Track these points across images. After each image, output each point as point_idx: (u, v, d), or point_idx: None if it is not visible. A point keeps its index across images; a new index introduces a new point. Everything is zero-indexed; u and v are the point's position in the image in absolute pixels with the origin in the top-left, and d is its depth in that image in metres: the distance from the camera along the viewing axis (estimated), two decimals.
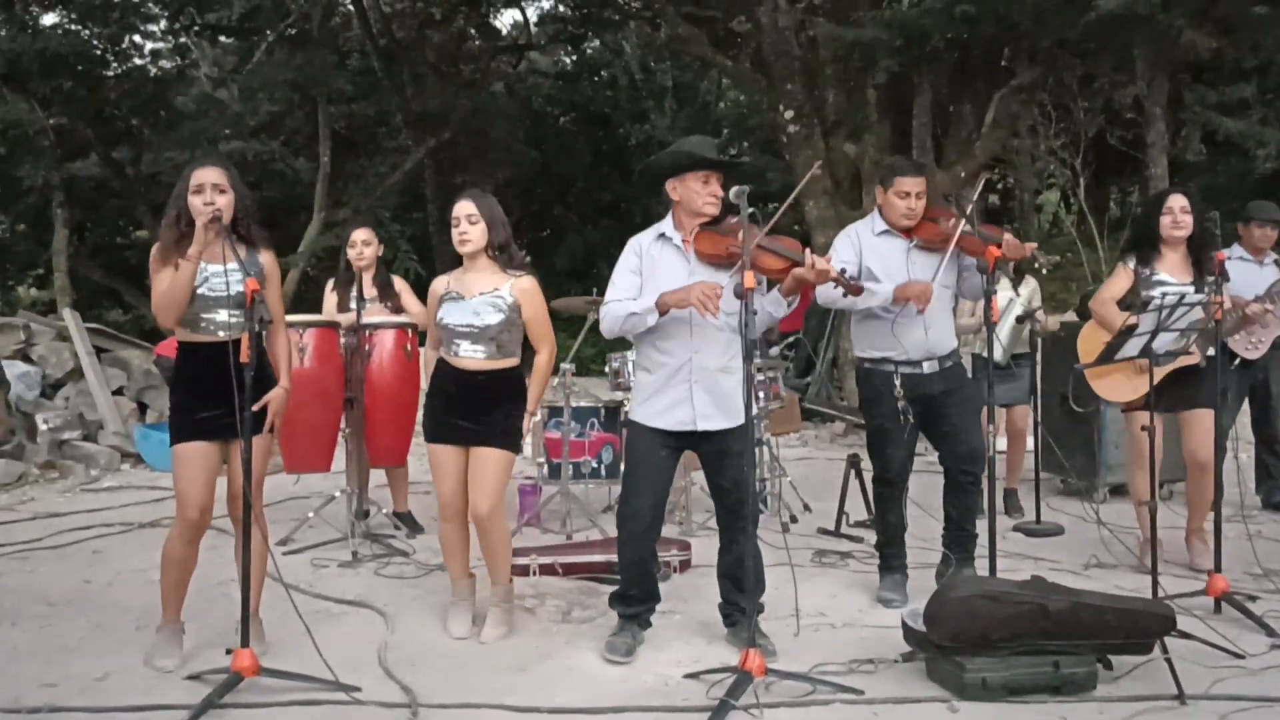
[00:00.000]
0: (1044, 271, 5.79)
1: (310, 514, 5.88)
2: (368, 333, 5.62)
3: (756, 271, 3.69)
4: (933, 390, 4.50)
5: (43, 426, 7.95)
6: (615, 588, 4.16)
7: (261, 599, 4.02)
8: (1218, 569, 4.33)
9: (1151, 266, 4.87)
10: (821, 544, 5.61)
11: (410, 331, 5.68)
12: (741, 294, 3.54)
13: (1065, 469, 6.56)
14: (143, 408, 8.58)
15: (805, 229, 11.33)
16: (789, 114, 10.86)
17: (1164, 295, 4.58)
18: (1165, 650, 3.58)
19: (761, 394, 6.05)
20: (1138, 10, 8.48)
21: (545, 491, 6.24)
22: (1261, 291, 5.48)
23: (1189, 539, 5.09)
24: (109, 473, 7.78)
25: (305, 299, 13.40)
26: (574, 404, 6.10)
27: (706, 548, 4.66)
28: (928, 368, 4.50)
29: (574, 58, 22.17)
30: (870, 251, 4.54)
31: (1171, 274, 4.84)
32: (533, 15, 19.79)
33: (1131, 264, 4.94)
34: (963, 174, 10.45)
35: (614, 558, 4.17)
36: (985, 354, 4.26)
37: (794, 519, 6.18)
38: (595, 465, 6.16)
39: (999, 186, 20.06)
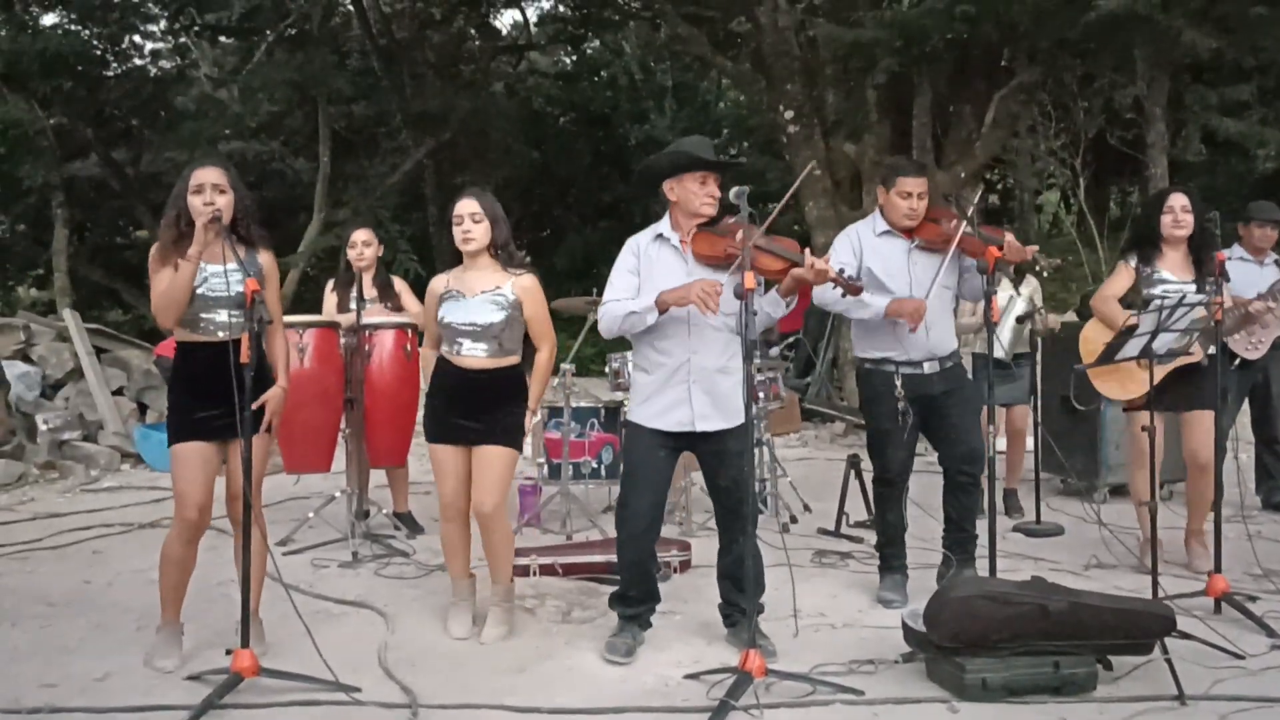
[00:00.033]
0: (1044, 275, 5.80)
1: (310, 514, 5.88)
2: (368, 333, 5.62)
3: (755, 272, 3.69)
4: (933, 391, 4.50)
5: (43, 427, 7.95)
6: (615, 588, 4.16)
7: (261, 599, 4.02)
8: (1218, 569, 4.33)
9: (1153, 265, 4.88)
10: (821, 544, 5.61)
11: (410, 332, 5.68)
12: (741, 294, 3.55)
13: (1065, 469, 6.55)
14: (143, 408, 8.58)
15: (805, 229, 11.34)
16: (789, 114, 10.85)
17: (1164, 295, 4.59)
18: (1165, 651, 3.58)
19: (761, 394, 6.05)
20: (1138, 10, 8.48)
21: (545, 492, 6.24)
22: (1262, 291, 5.47)
23: (1188, 542, 5.08)
24: (109, 473, 7.78)
25: (305, 299, 13.41)
26: (574, 404, 6.10)
27: (706, 548, 4.66)
28: (928, 368, 4.50)
29: (574, 58, 22.17)
30: (871, 252, 4.54)
31: (1173, 272, 4.85)
32: (533, 15, 19.80)
33: (1133, 262, 4.94)
34: (963, 174, 10.44)
35: (614, 558, 4.17)
36: (986, 354, 4.25)
37: (794, 519, 6.18)
38: (595, 465, 6.15)
39: (999, 187, 20.08)
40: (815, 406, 10.55)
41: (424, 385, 4.32)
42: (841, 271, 3.98)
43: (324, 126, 15.81)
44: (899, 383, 4.47)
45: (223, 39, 17.53)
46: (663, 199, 4.02)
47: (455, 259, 4.22)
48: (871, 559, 4.95)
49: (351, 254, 5.97)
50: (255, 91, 16.04)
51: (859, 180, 11.00)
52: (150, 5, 15.21)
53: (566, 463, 6.04)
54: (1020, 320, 6.11)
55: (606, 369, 6.31)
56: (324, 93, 15.37)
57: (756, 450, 5.73)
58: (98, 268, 17.65)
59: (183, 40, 17.63)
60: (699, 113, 20.75)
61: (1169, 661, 3.53)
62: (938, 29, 9.19)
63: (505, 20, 20.53)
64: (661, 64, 20.65)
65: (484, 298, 4.09)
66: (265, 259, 3.84)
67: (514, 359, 4.18)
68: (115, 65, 16.16)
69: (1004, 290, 6.05)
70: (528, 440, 4.31)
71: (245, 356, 3.52)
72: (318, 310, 6.12)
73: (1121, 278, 4.95)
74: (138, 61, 17.05)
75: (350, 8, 16.83)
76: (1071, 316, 8.32)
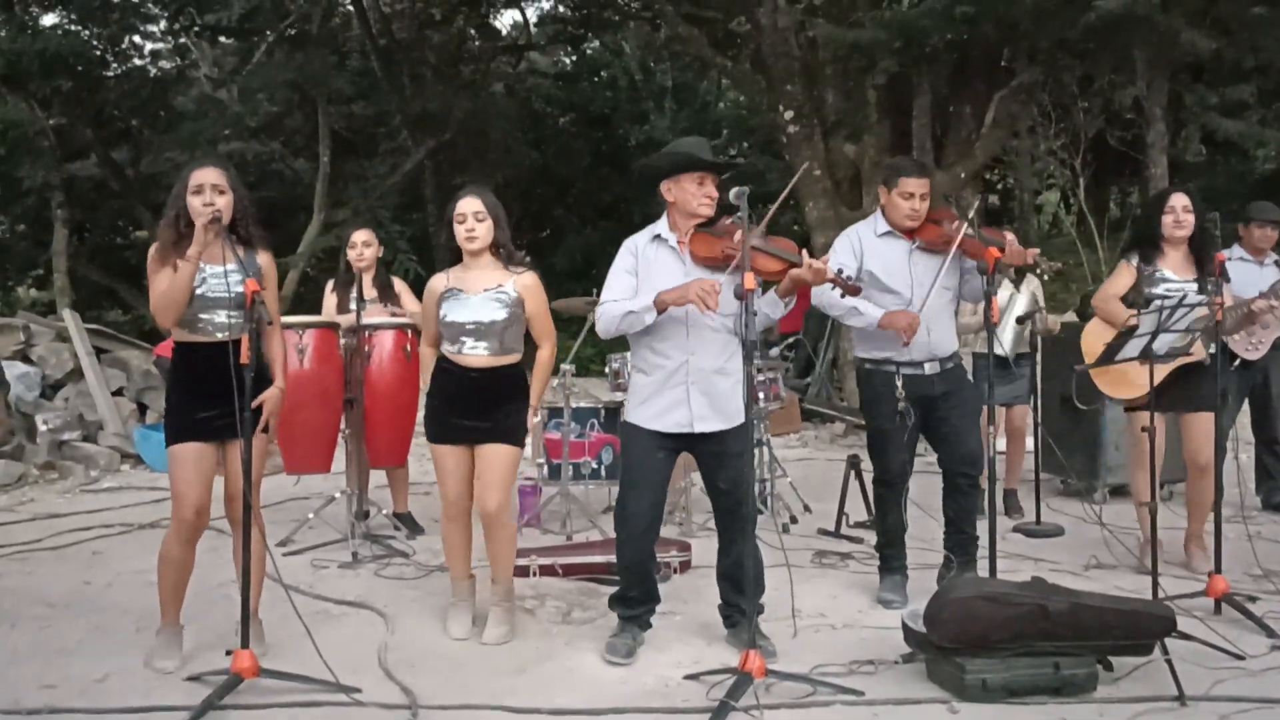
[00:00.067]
0: (1045, 278, 5.81)
1: (310, 515, 5.87)
2: (367, 334, 5.62)
3: (753, 273, 3.68)
4: (933, 391, 4.49)
5: (42, 427, 7.95)
6: (615, 589, 4.16)
7: (261, 600, 4.02)
8: (1218, 570, 4.33)
9: (1154, 264, 4.88)
10: (821, 545, 5.61)
11: (410, 332, 5.68)
12: (741, 295, 3.55)
13: (1065, 469, 6.55)
14: (142, 408, 8.58)
15: (805, 230, 11.34)
16: (789, 114, 10.85)
17: (1167, 294, 4.59)
18: (1165, 651, 3.58)
19: (761, 395, 6.05)
20: (1137, 11, 8.48)
21: (545, 492, 6.24)
22: (1263, 290, 5.46)
23: (1187, 545, 5.09)
24: (109, 473, 7.78)
25: (305, 300, 13.40)
26: (574, 405, 6.10)
27: (706, 549, 4.66)
28: (929, 369, 4.50)
29: (574, 58, 22.17)
30: (871, 253, 4.53)
31: (1175, 271, 4.85)
32: (532, 16, 19.80)
33: (1134, 261, 4.94)
34: (962, 175, 10.45)
35: (614, 559, 4.17)
36: (986, 353, 4.25)
37: (794, 520, 6.18)
38: (595, 466, 6.15)
39: (999, 187, 20.08)
40: (815, 407, 10.55)
41: (424, 385, 4.32)
42: (840, 272, 3.98)
43: (324, 127, 15.80)
44: (900, 383, 4.47)
45: (222, 39, 17.52)
46: (660, 199, 4.01)
47: (455, 258, 4.22)
48: (871, 559, 4.95)
49: (351, 254, 5.97)
50: (255, 92, 16.03)
51: (859, 181, 10.99)
52: (150, 5, 15.21)
53: (566, 463, 6.04)
54: (1020, 320, 6.11)
55: (606, 369, 6.31)
56: (324, 93, 15.36)
57: (756, 450, 5.73)
58: (97, 268, 17.64)
59: (182, 41, 17.63)
60: (699, 113, 20.75)
61: (1169, 662, 3.53)
62: (937, 29, 9.20)
63: (505, 20, 20.55)
64: (661, 64, 20.66)
65: (487, 295, 4.09)
66: (264, 259, 3.84)
67: (515, 357, 4.18)
68: (115, 66, 16.17)
69: (1004, 290, 6.05)
70: (528, 440, 4.31)
71: (245, 357, 3.52)
72: (317, 311, 6.12)
73: (1123, 277, 4.95)
74: (137, 62, 17.06)
75: (350, 8, 16.83)
76: (1071, 317, 8.33)
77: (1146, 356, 4.27)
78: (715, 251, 3.86)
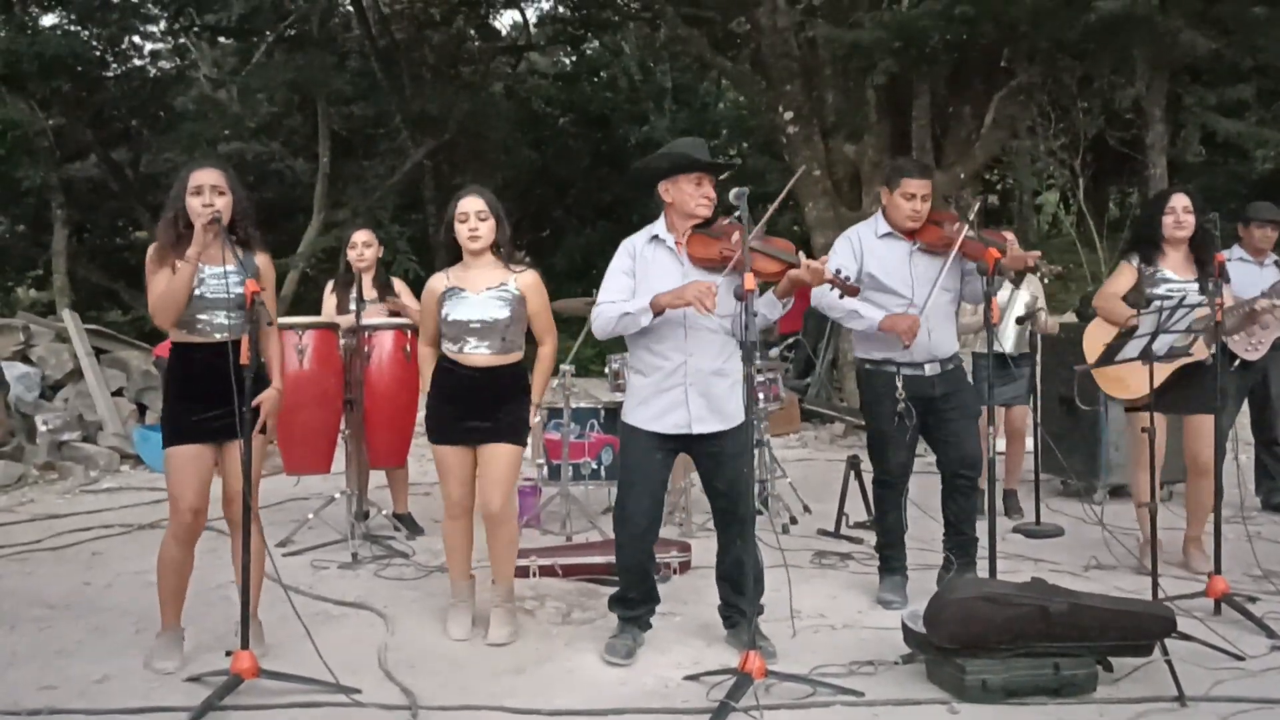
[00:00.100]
0: (1046, 281, 5.80)
1: (310, 515, 5.87)
2: (367, 334, 5.62)
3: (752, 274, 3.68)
4: (933, 393, 4.49)
5: (42, 428, 7.95)
6: (615, 590, 4.16)
7: (261, 601, 4.02)
8: (1217, 570, 4.33)
9: (1155, 265, 4.88)
10: (821, 545, 5.61)
11: (409, 333, 5.67)
12: (741, 296, 3.55)
13: (1065, 470, 6.55)
14: (142, 409, 8.58)
15: (805, 230, 11.34)
16: (788, 115, 10.85)
17: (1168, 294, 4.58)
18: (1165, 652, 3.58)
19: (761, 395, 6.05)
20: (1136, 11, 8.49)
21: (545, 493, 6.24)
22: (1265, 290, 5.46)
23: (1186, 548, 5.09)
24: (108, 474, 7.78)
25: (304, 300, 13.41)
26: (574, 405, 6.09)
27: (706, 549, 4.66)
28: (929, 370, 4.50)
29: (573, 59, 22.18)
30: (870, 254, 4.53)
31: (1175, 272, 4.85)
32: (532, 16, 19.80)
33: (1135, 262, 4.94)
34: (962, 175, 10.45)
35: (614, 560, 4.17)
36: (985, 353, 4.25)
37: (794, 520, 6.18)
38: (595, 467, 6.14)
39: (998, 187, 20.10)
40: (815, 407, 10.55)
41: (423, 384, 4.31)
42: (838, 273, 3.98)
43: (323, 127, 15.80)
44: (900, 384, 4.47)
45: (222, 40, 17.54)
46: (659, 200, 4.01)
47: (453, 258, 4.20)
48: (871, 560, 4.95)
49: (351, 255, 5.96)
50: (254, 92, 16.05)
51: (858, 181, 10.99)
52: (150, 6, 15.21)
53: (566, 464, 6.03)
54: (1020, 320, 6.11)
55: (606, 370, 6.31)
56: (323, 93, 15.37)
57: (756, 451, 5.73)
58: (97, 268, 17.64)
59: (182, 41, 17.64)
60: (698, 113, 20.76)
61: (1169, 663, 3.53)
62: (937, 30, 9.19)
63: (504, 21, 20.56)
64: (661, 65, 20.66)
65: (489, 294, 4.09)
66: (262, 260, 3.83)
67: (517, 356, 4.18)
68: (114, 66, 16.17)
69: (1004, 290, 6.04)
70: (528, 440, 4.31)
71: (245, 358, 3.52)
72: (317, 311, 6.12)
73: (1124, 277, 4.95)
74: (137, 62, 17.06)
75: (349, 8, 16.84)
76: (1071, 317, 8.32)
77: (1146, 357, 4.27)
78: (713, 252, 3.86)
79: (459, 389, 4.11)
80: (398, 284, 6.12)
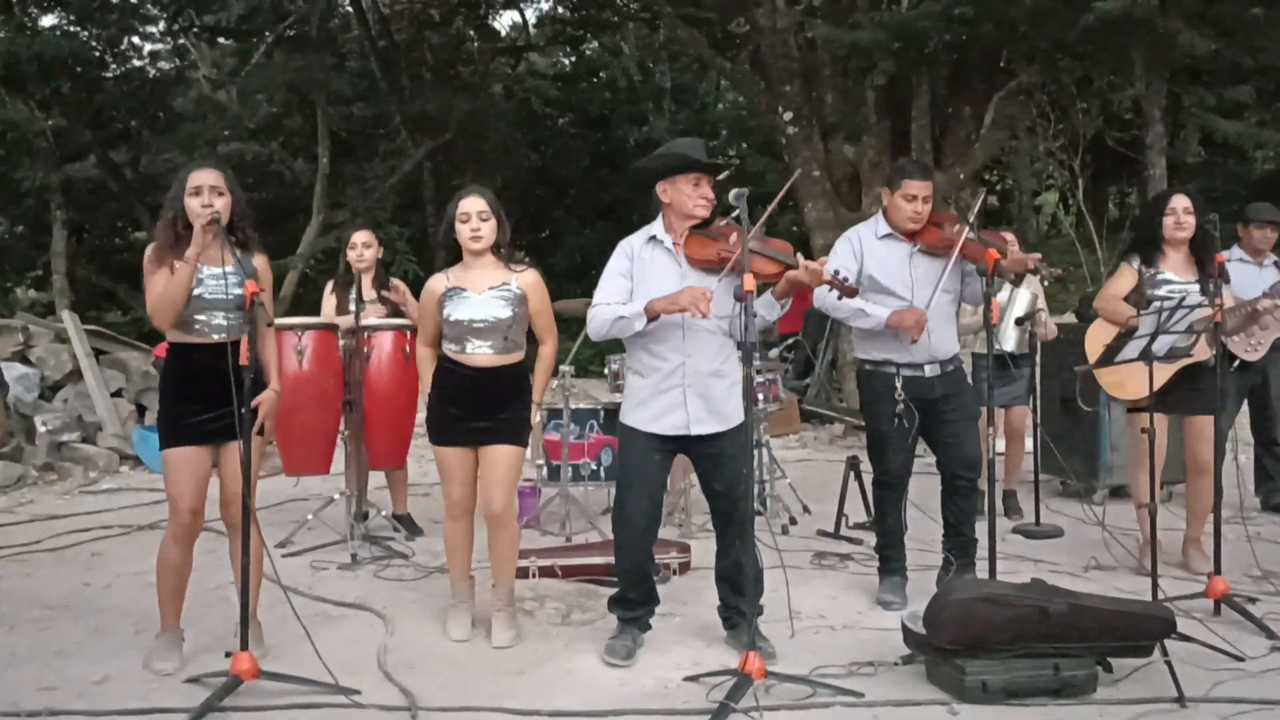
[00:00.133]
0: (1046, 284, 5.80)
1: (309, 516, 5.87)
2: (366, 335, 5.61)
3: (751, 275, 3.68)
4: (933, 394, 4.49)
5: (41, 429, 7.95)
6: (614, 591, 4.16)
7: (261, 602, 4.02)
8: (1217, 571, 4.33)
9: (1156, 266, 4.88)
10: (821, 546, 5.60)
11: (409, 334, 5.67)
12: (740, 297, 3.54)
13: (1064, 470, 6.55)
14: (141, 410, 8.57)
15: (804, 231, 11.34)
16: (787, 116, 10.85)
17: (1169, 296, 4.58)
18: (1165, 653, 3.58)
19: (761, 396, 6.05)
20: (1136, 12, 8.48)
21: (544, 494, 6.24)
22: (1266, 291, 5.46)
23: (1186, 548, 5.08)
24: (108, 475, 7.78)
25: (304, 301, 13.41)
26: (573, 406, 6.09)
27: (706, 550, 4.65)
28: (929, 371, 4.49)
29: (572, 59, 22.19)
30: (870, 255, 4.53)
31: (1176, 273, 4.85)
32: (531, 17, 19.80)
33: (1135, 263, 4.93)
34: (961, 176, 10.45)
35: (613, 560, 4.16)
36: (985, 354, 4.25)
37: (793, 521, 6.18)
38: (594, 467, 6.14)
39: (998, 188, 20.11)
40: (814, 408, 10.55)
41: (422, 385, 4.30)
42: (836, 274, 3.98)
43: (323, 128, 15.80)
44: (899, 385, 4.47)
45: (221, 40, 17.53)
46: (657, 200, 4.00)
47: (452, 259, 4.19)
48: (871, 561, 4.95)
49: (351, 255, 5.96)
50: (254, 93, 16.05)
51: (858, 182, 11.00)
52: (149, 7, 15.21)
53: (566, 464, 6.03)
54: (1020, 321, 6.10)
55: (605, 371, 6.31)
56: (323, 94, 15.36)
57: (755, 452, 5.73)
58: (96, 269, 17.64)
59: (181, 42, 17.64)
60: (698, 114, 20.77)
61: (1169, 663, 3.53)
62: (936, 30, 9.20)
63: (504, 21, 20.57)
64: (660, 65, 20.68)
65: (492, 294, 4.08)
66: (259, 262, 3.83)
67: (519, 355, 4.17)
68: (114, 67, 16.17)
69: (1004, 290, 6.04)
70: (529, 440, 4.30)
71: (245, 359, 3.52)
72: (316, 312, 6.12)
73: (1124, 278, 4.95)
74: (136, 63, 17.07)
75: (349, 9, 16.83)
76: (1070, 318, 8.33)
77: (1146, 358, 4.27)
78: (711, 254, 3.85)
79: (461, 390, 4.10)
80: (397, 285, 6.12)
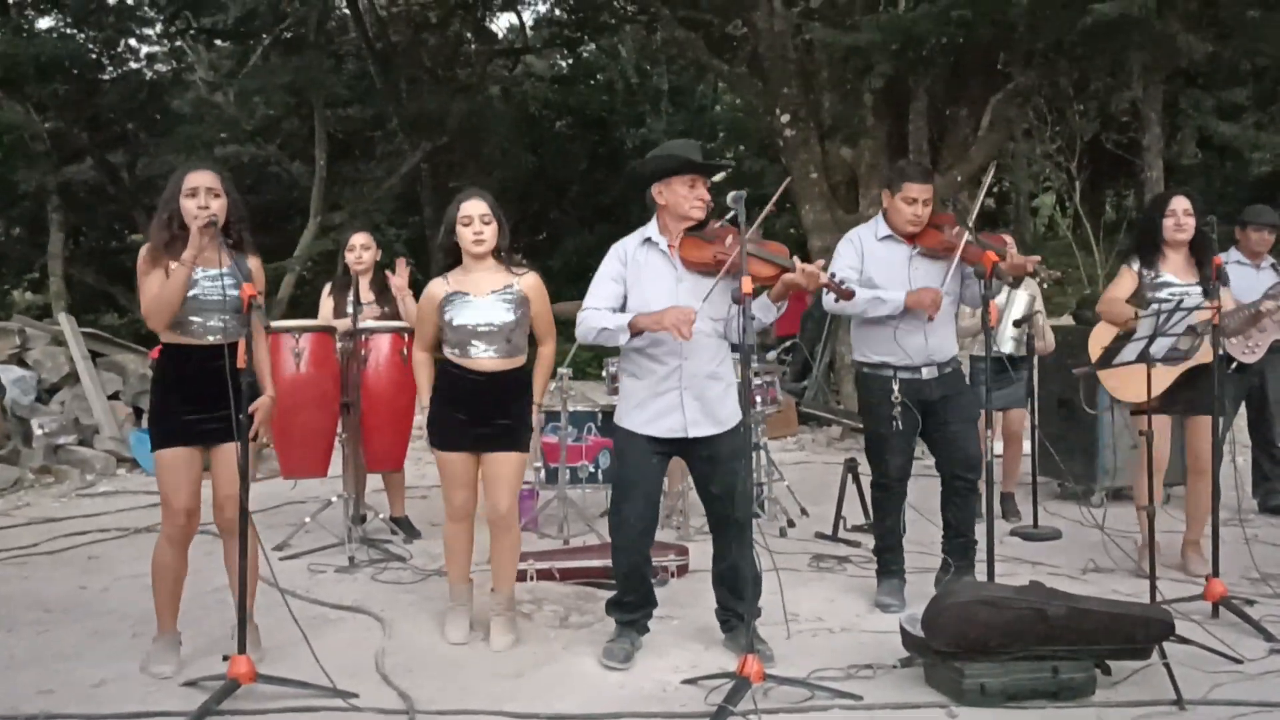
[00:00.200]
0: (1045, 286, 5.80)
1: (307, 519, 5.86)
2: (364, 337, 5.61)
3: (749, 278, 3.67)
4: (931, 396, 4.49)
5: (38, 431, 7.94)
6: (612, 593, 4.15)
7: (258, 605, 4.01)
8: (1215, 573, 4.33)
9: (1156, 268, 4.87)
10: (819, 548, 5.60)
11: (407, 336, 5.67)
12: (738, 300, 3.54)
13: (1062, 473, 6.55)
14: (138, 412, 8.56)
15: (802, 233, 11.35)
16: (785, 118, 10.86)
17: (1170, 298, 4.58)
18: (1164, 655, 3.58)
19: (759, 398, 6.04)
20: (1133, 14, 8.49)
21: (542, 496, 6.23)
22: (1261, 294, 5.46)
23: (1185, 550, 5.08)
24: (105, 477, 7.77)
25: (301, 303, 13.41)
26: (571, 408, 6.09)
27: (704, 552, 4.64)
28: (926, 373, 4.49)
29: (570, 61, 22.22)
30: (870, 257, 4.53)
31: (1176, 275, 4.84)
32: (529, 19, 19.84)
33: (1135, 266, 4.93)
34: (959, 178, 10.46)
35: (611, 563, 4.16)
36: (984, 356, 4.25)
37: (791, 523, 6.17)
38: (592, 470, 6.14)
39: (995, 190, 20.12)
40: (812, 410, 10.55)
41: (419, 390, 4.28)
42: (832, 275, 3.97)
43: (320, 130, 15.81)
44: (897, 387, 4.47)
45: (219, 42, 17.55)
46: (652, 202, 3.99)
47: (451, 262, 4.17)
48: (869, 563, 4.94)
49: (350, 257, 5.95)
50: (251, 95, 16.07)
51: (855, 184, 11.01)
52: (146, 9, 15.23)
53: (564, 467, 6.03)
54: (1018, 323, 6.10)
55: (603, 373, 6.30)
56: (320, 96, 15.38)
57: (753, 454, 5.72)
58: (93, 271, 17.64)
59: (178, 44, 17.65)
60: (695, 116, 20.80)
61: (1167, 666, 3.53)
62: (933, 33, 9.20)
63: (501, 24, 20.58)
64: (658, 67, 20.71)
65: (494, 297, 4.07)
66: (253, 264, 3.82)
67: (521, 359, 4.16)
68: (111, 69, 16.18)
69: (1000, 294, 6.04)
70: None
71: (242, 361, 3.51)
72: (314, 314, 6.11)
73: (1125, 281, 4.94)
74: (133, 65, 17.08)
75: (346, 11, 16.84)
76: (1068, 320, 8.33)
77: (1144, 360, 4.27)
78: (707, 256, 3.85)
79: (465, 394, 4.07)
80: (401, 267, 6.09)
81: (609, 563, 4.18)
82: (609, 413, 6.15)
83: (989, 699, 3.47)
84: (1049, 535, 5.86)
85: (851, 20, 10.14)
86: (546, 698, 3.61)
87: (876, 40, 9.37)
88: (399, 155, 16.84)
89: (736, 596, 3.93)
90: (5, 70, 13.42)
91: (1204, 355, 4.61)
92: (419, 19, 17.66)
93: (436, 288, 4.13)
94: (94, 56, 15.36)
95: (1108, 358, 4.40)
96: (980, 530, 4.30)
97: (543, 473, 6.17)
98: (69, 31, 14.82)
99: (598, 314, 3.88)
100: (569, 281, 16.45)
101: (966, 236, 4.31)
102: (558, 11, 18.44)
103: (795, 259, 3.82)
